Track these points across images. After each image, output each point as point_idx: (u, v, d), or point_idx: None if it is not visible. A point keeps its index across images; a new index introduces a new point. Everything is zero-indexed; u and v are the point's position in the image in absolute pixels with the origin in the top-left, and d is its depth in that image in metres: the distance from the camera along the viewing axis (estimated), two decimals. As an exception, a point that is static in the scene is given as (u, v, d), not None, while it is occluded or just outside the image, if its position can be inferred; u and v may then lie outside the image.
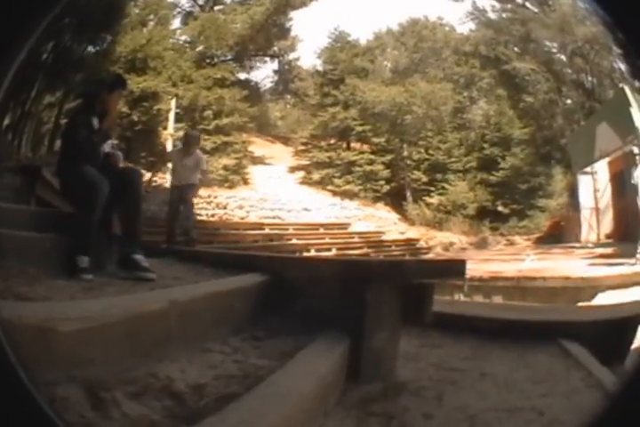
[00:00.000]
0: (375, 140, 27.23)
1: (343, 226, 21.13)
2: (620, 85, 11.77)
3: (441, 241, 21.67)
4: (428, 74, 28.44)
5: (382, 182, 26.15)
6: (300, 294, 2.73)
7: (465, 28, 36.32)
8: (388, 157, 26.79)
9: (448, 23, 31.87)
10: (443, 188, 25.99)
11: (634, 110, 9.83)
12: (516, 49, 24.37)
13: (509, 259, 11.17)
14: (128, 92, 14.26)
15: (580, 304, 6.20)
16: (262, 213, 20.25)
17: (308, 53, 49.34)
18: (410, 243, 21.03)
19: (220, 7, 27.12)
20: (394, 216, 24.52)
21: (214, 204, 19.49)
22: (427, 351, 2.99)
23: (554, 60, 21.92)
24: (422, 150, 26.89)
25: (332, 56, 28.69)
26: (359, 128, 26.80)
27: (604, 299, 6.27)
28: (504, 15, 25.45)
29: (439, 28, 31.60)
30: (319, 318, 2.49)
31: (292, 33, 30.89)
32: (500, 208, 23.77)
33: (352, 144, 27.69)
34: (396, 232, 22.08)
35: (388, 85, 27.31)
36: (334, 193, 25.34)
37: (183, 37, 26.56)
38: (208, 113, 23.25)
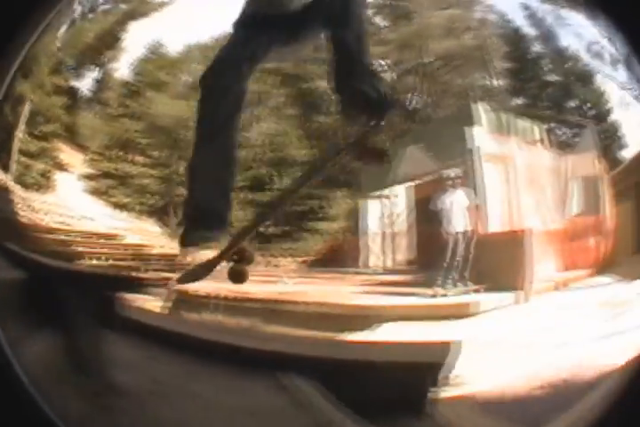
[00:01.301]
0: (155, 153, 26.22)
1: (115, 237, 20.08)
2: (474, 103, 11.51)
3: (201, 258, 21.15)
4: None
5: (157, 197, 25.19)
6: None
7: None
8: (165, 172, 25.82)
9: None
10: None
11: (476, 130, 9.46)
12: (326, 67, 24.06)
13: (270, 280, 10.19)
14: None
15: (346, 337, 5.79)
16: (59, 218, 18.93)
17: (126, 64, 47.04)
18: (170, 258, 20.20)
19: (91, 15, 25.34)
20: (164, 231, 23.68)
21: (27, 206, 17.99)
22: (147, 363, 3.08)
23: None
24: (196, 166, 26.29)
25: (140, 67, 27.50)
26: (143, 141, 25.73)
27: (382, 333, 5.85)
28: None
29: None
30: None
31: (123, 43, 29.32)
32: (270, 229, 23.36)
33: (136, 157, 26.58)
34: (160, 247, 21.31)
35: (181, 100, 26.55)
36: (114, 204, 24.10)
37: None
38: (40, 118, 21.62)
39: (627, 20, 2.57)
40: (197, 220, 3.96)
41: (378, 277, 9.82)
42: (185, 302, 7.32)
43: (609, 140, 13.32)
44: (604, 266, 9.11)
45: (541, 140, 10.16)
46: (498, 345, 5.52)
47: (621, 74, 13.90)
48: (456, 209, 7.84)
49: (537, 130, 10.55)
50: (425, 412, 3.72)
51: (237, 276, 3.99)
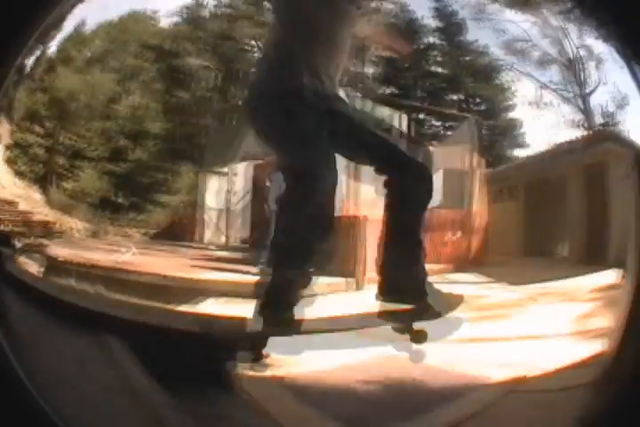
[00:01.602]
0: (47, 124, 26.54)
1: (13, 204, 20.32)
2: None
3: (71, 226, 21.30)
4: (108, 64, 27.91)
5: (41, 165, 25.48)
6: None
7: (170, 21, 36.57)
8: (50, 142, 26.08)
9: (159, 17, 31.34)
10: (78, 175, 25.48)
11: None
12: (203, 46, 24.38)
13: (114, 250, 10.35)
14: None
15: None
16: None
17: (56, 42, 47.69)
18: (47, 226, 20.60)
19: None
20: (45, 198, 24.08)
21: None
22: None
23: (243, 59, 22.05)
24: (74, 137, 26.18)
25: (62, 44, 27.93)
26: (43, 112, 26.39)
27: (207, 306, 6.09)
28: (218, 12, 25.30)
29: (146, 22, 31.04)
30: None
31: (65, 23, 29.75)
32: (120, 200, 23.68)
33: (36, 127, 27.11)
34: (42, 215, 21.64)
35: (79, 74, 27.16)
36: (16, 172, 24.53)
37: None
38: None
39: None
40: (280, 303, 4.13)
41: (212, 252, 9.89)
42: (53, 267, 7.41)
43: (499, 137, 13.69)
44: (468, 263, 9.39)
45: (399, 130, 9.94)
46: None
47: (551, 74, 14.25)
48: (275, 188, 7.27)
49: (397, 119, 10.05)
50: (232, 387, 3.64)
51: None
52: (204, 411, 2.87)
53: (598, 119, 14.47)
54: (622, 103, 14.61)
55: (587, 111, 14.87)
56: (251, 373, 4.02)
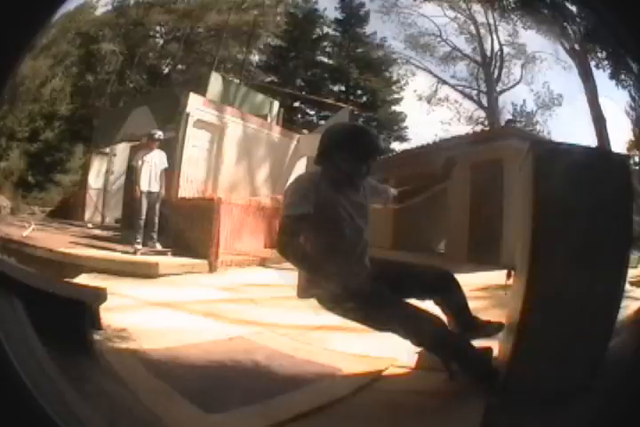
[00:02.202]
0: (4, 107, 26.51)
1: None
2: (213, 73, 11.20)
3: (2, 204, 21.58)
4: (50, 50, 28.15)
5: None
6: None
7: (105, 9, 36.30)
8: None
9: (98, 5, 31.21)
10: (8, 155, 25.70)
11: (194, 98, 9.23)
12: (118, 31, 24.56)
13: (19, 226, 10.58)
14: None
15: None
16: None
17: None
18: None
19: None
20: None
21: None
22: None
23: (146, 44, 22.10)
24: (15, 119, 26.45)
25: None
26: None
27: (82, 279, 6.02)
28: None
29: (87, 11, 31.02)
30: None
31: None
32: (29, 179, 23.99)
33: None
34: None
35: (33, 60, 27.04)
36: None
37: None
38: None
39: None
40: None
41: (92, 231, 9.73)
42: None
43: (377, 130, 13.65)
44: None
45: (274, 117, 10.07)
46: (179, 309, 5.47)
47: (456, 70, 14.33)
48: (146, 169, 7.59)
49: (271, 106, 10.47)
50: (95, 354, 3.57)
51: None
52: (73, 372, 2.82)
53: (507, 117, 14.60)
54: (549, 104, 14.75)
55: (491, 109, 14.94)
56: (109, 343, 4.13)
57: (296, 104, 12.76)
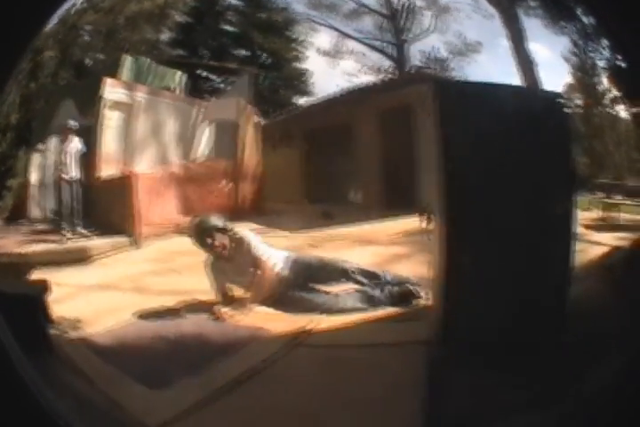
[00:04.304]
0: None
1: None
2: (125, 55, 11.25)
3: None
4: None
5: None
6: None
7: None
8: None
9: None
10: None
11: (109, 81, 9.50)
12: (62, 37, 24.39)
13: None
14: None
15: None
16: None
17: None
18: None
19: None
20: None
21: None
22: None
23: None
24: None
25: None
26: None
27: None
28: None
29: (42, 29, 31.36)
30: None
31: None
32: None
33: None
34: None
35: None
36: None
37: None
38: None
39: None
40: None
41: (36, 226, 9.66)
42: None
43: (282, 88, 13.94)
44: (243, 212, 9.33)
45: (182, 88, 10.21)
46: (112, 290, 5.80)
47: (361, 25, 14.27)
48: (68, 157, 8.01)
49: (175, 77, 10.66)
50: (47, 348, 3.72)
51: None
52: (37, 370, 2.61)
53: (420, 65, 14.46)
54: (465, 51, 14.58)
55: (400, 59, 14.82)
56: (62, 334, 4.34)
57: (203, 73, 12.75)
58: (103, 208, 8.04)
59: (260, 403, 3.27)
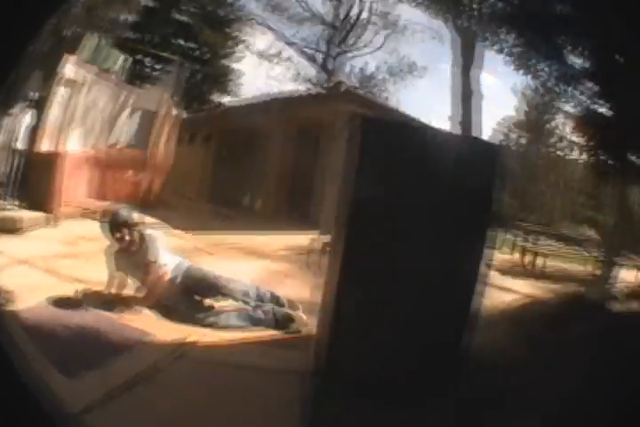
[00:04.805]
0: None
1: None
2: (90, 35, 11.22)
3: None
4: None
5: None
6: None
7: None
8: None
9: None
10: None
11: (70, 58, 9.40)
12: None
13: None
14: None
15: None
16: None
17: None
18: None
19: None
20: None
21: None
22: None
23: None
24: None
25: None
26: None
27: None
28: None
29: None
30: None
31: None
32: None
33: None
34: None
35: None
36: None
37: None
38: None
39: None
40: None
41: None
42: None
43: (208, 84, 14.47)
44: (148, 203, 9.57)
45: (120, 71, 10.31)
46: (31, 266, 5.78)
47: (304, 32, 14.35)
48: (20, 129, 8.12)
49: (119, 61, 10.60)
50: None
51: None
52: None
53: (350, 82, 14.55)
54: (406, 74, 14.74)
55: (335, 72, 15.03)
56: (7, 307, 4.30)
57: (142, 59, 12.99)
58: (34, 182, 8.05)
59: (147, 406, 3.29)
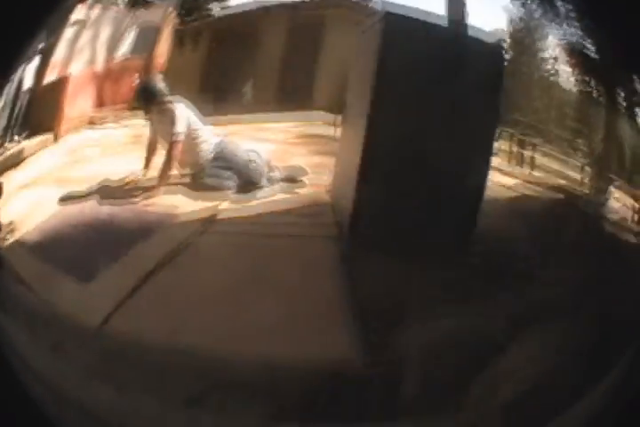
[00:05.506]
0: None
1: None
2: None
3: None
4: None
5: None
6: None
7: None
8: None
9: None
10: None
11: None
12: None
13: None
14: None
15: None
16: None
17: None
18: None
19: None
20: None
21: None
22: None
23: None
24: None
25: None
26: None
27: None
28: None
29: None
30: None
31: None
32: None
33: None
34: None
35: None
36: None
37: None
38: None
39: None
40: None
41: None
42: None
43: None
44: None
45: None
46: (38, 186, 5.40)
47: None
48: (28, 73, 7.53)
49: None
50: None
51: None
52: None
53: None
54: None
55: None
56: (9, 241, 4.35)
57: None
58: (37, 115, 7.57)
59: (183, 286, 3.29)
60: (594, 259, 3.32)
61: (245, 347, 2.73)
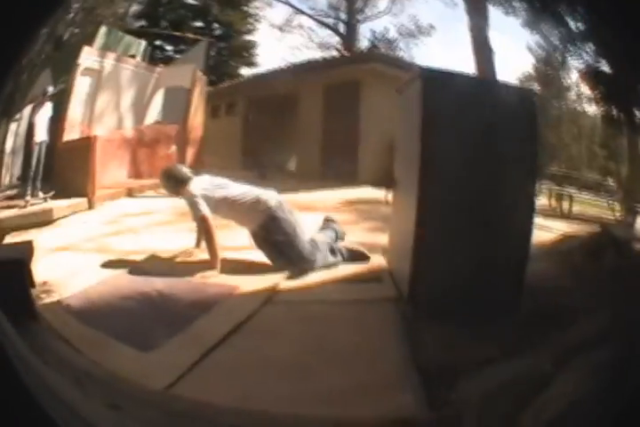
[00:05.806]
0: None
1: None
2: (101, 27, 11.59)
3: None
4: None
5: None
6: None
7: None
8: None
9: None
10: None
11: (86, 49, 9.64)
12: None
13: None
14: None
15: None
16: None
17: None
18: None
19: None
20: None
21: None
22: None
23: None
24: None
25: None
26: None
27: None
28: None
29: None
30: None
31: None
32: None
33: None
34: None
35: None
36: None
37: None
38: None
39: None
40: None
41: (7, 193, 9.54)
42: None
43: (229, 58, 15.09)
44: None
45: (140, 55, 10.51)
46: (74, 250, 5.66)
47: (314, 2, 14.75)
48: (39, 122, 8.00)
49: (138, 46, 11.05)
50: (36, 314, 3.59)
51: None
52: (30, 338, 2.75)
53: (366, 44, 15.02)
54: (415, 33, 15.00)
55: (349, 36, 15.38)
56: (44, 300, 4.15)
57: (161, 43, 13.54)
58: (63, 170, 8.08)
59: (251, 355, 3.31)
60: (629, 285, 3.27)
61: (315, 411, 2.74)
